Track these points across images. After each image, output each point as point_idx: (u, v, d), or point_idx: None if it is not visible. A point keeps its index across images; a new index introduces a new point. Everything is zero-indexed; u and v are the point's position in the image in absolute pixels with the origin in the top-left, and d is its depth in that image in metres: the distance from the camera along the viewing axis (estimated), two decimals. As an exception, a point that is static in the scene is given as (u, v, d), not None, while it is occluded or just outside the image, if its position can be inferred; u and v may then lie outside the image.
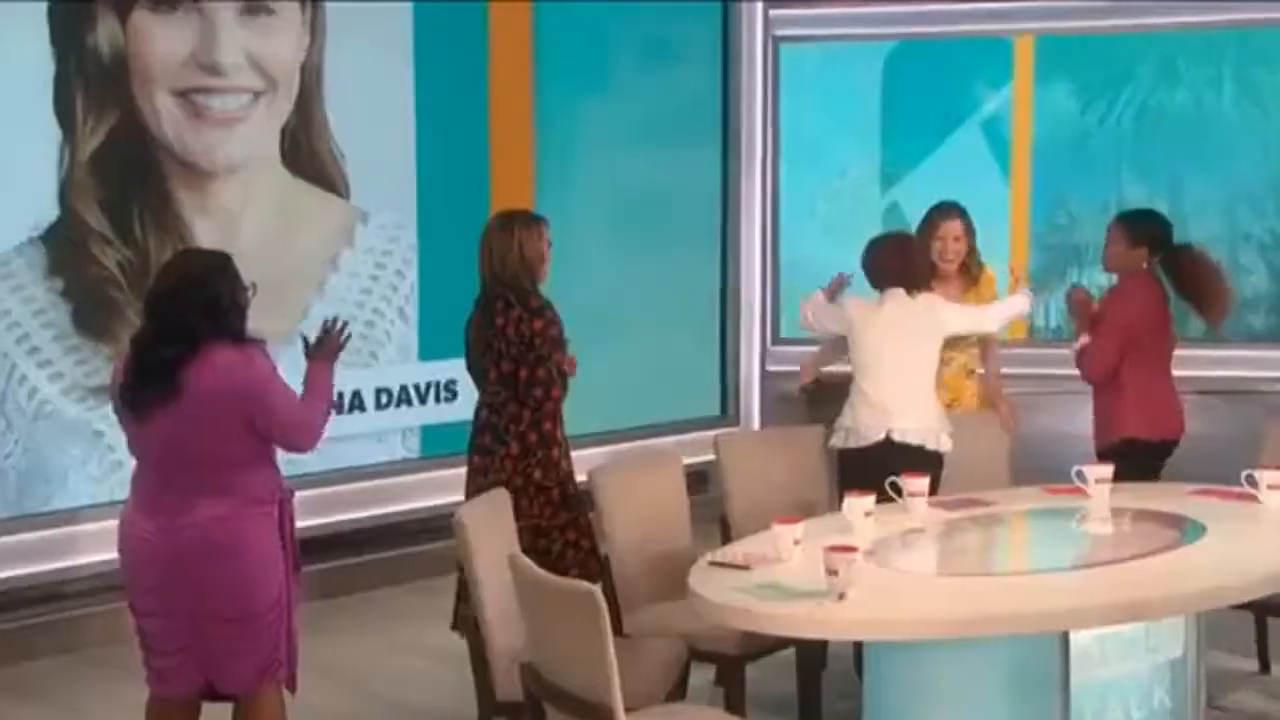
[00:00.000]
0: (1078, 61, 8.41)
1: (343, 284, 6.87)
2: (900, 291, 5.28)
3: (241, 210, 6.52)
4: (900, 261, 5.33)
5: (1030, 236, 8.50)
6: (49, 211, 6.04)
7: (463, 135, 7.23)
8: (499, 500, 4.59)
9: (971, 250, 5.83)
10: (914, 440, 5.19)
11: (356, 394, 6.89)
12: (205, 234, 6.35)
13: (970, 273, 5.85)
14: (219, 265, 4.11)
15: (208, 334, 3.97)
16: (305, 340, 4.32)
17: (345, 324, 4.34)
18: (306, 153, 6.72)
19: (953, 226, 5.77)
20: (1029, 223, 8.50)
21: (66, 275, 6.08)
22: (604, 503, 4.88)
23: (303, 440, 4.11)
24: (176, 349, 3.96)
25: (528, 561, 3.87)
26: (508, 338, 4.98)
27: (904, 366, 5.26)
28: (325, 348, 4.29)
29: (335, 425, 6.77)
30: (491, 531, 4.37)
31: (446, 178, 7.13)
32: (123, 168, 6.18)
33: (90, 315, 6.13)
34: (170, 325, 3.99)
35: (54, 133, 6.02)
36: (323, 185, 6.80)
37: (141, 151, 6.24)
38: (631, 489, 4.97)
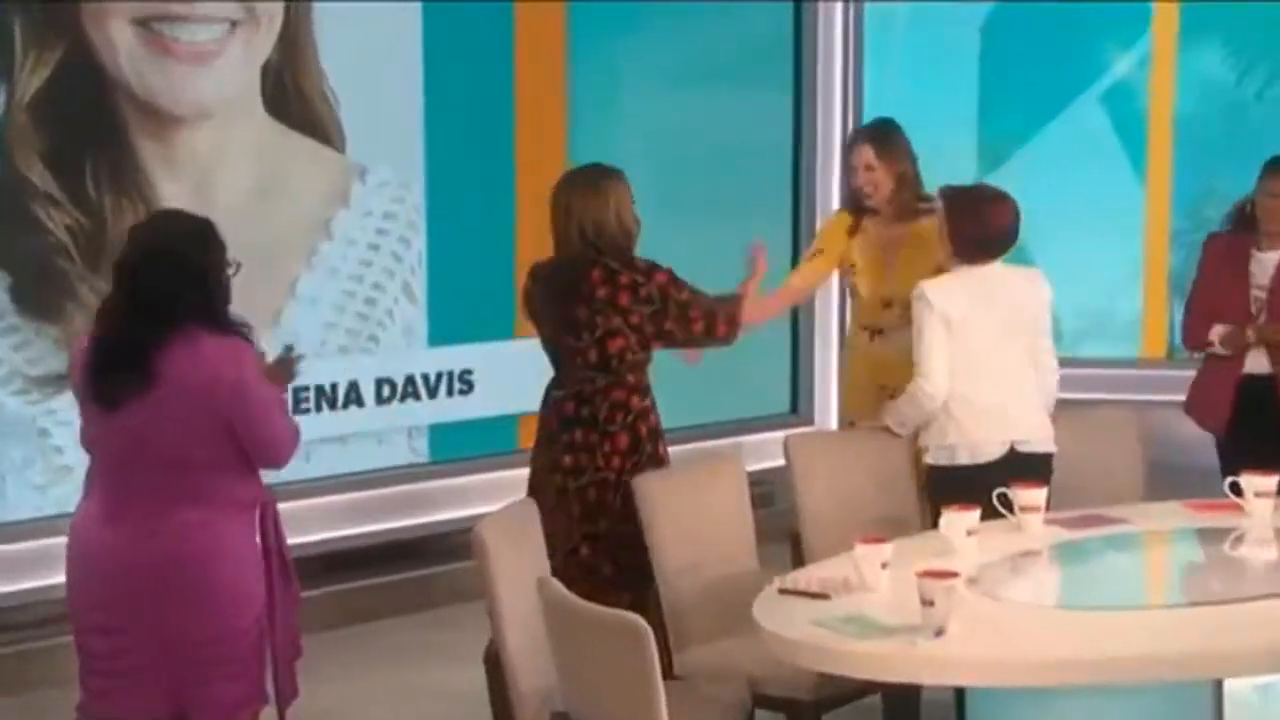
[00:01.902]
0: (1232, 19, 8.26)
1: (336, 253, 6.88)
2: (996, 265, 5.22)
3: (215, 164, 6.53)
4: (984, 226, 5.23)
5: (1170, 234, 8.39)
6: (-17, 166, 6.07)
7: (481, 76, 7.24)
8: (524, 512, 4.60)
9: (903, 180, 5.78)
10: (1040, 448, 5.16)
11: (353, 385, 6.90)
12: (172, 192, 6.35)
13: (901, 205, 5.78)
14: (203, 232, 4.16)
15: (190, 313, 4.03)
16: (262, 355, 4.39)
17: (301, 357, 4.51)
18: (293, 95, 6.72)
19: (861, 153, 5.79)
20: (1169, 217, 8.39)
21: (4, 243, 6.09)
22: (651, 517, 4.86)
23: (282, 455, 4.20)
24: (154, 329, 4.00)
25: (560, 586, 3.86)
26: (621, 308, 5.01)
27: (1017, 357, 5.21)
28: (281, 371, 4.43)
29: (327, 423, 6.91)
30: (517, 549, 4.36)
31: (461, 127, 7.14)
32: (72, 113, 6.18)
33: (33, 290, 6.14)
34: (147, 300, 4.02)
35: (-12, 71, 6.05)
36: (312, 134, 6.80)
37: (94, 93, 6.24)
38: (684, 500, 4.95)
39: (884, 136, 5.86)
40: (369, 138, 6.91)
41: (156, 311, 4.01)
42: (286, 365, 4.46)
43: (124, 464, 4.08)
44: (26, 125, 6.08)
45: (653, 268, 5.07)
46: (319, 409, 6.79)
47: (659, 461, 5.14)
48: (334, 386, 6.84)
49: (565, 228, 5.12)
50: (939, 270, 5.67)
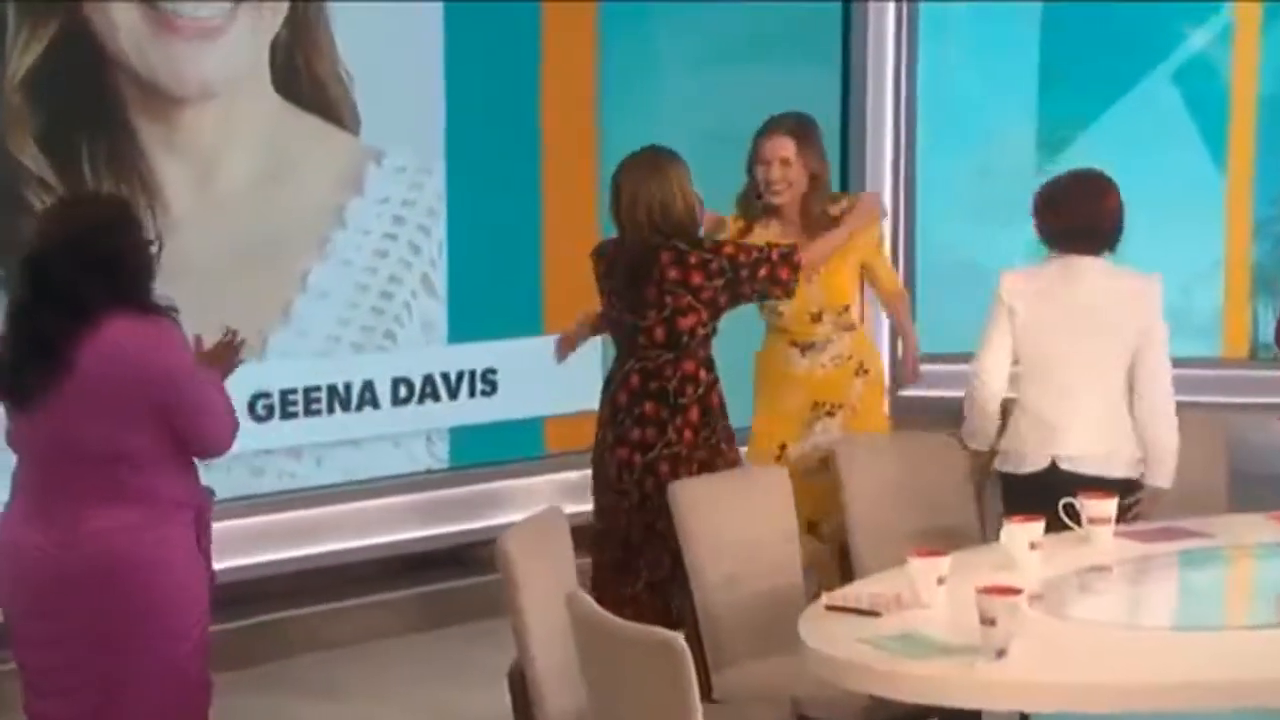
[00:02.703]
0: None
1: (350, 243, 6.88)
2: (1088, 260, 5.12)
3: (220, 147, 6.55)
4: (1081, 215, 5.16)
5: (1253, 223, 8.34)
6: (-28, 149, 6.09)
7: (504, 52, 7.24)
8: (551, 521, 4.60)
9: (815, 182, 5.70)
10: (1088, 470, 5.03)
11: (368, 385, 6.90)
12: (174, 176, 6.37)
13: (812, 213, 5.69)
14: (115, 214, 4.23)
15: (103, 301, 4.06)
16: (199, 339, 4.42)
17: (243, 341, 4.50)
18: (303, 74, 6.73)
19: (779, 145, 5.68)
20: (1251, 204, 8.35)
21: (-5, 230, 6.11)
22: (686, 527, 4.86)
23: (223, 442, 4.25)
24: (63, 320, 4.05)
25: (590, 601, 3.85)
26: (694, 287, 5.20)
27: (1090, 364, 5.12)
28: (221, 356, 4.43)
29: (341, 426, 6.89)
30: (544, 562, 4.36)
31: (484, 108, 7.14)
32: (67, 92, 6.19)
33: (27, 282, 6.13)
34: (54, 290, 4.06)
35: (-21, 47, 6.06)
36: (324, 116, 6.81)
37: (92, 71, 6.25)
38: (725, 509, 4.95)
39: (805, 131, 5.75)
40: (385, 119, 6.90)
41: (65, 303, 4.04)
42: (227, 350, 4.45)
43: (47, 463, 4.14)
44: (19, 105, 6.09)
45: (719, 242, 5.34)
46: (331, 410, 6.80)
47: (729, 436, 5.33)
48: (347, 386, 6.84)
49: (630, 212, 5.27)
50: (864, 267, 5.74)
